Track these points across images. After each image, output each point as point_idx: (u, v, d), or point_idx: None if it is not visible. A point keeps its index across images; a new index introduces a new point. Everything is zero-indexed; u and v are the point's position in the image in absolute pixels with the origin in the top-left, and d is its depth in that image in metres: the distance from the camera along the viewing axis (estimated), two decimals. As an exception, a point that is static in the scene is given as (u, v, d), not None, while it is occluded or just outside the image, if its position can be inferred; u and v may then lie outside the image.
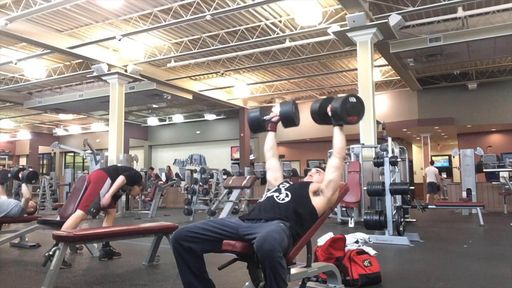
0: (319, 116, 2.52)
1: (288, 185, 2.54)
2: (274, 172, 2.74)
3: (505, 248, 4.88)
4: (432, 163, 13.60)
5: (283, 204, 2.34)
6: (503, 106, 12.69)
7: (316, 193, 2.45)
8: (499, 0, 7.88)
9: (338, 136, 2.48)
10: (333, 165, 2.44)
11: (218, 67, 11.73)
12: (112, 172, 4.33)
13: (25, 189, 5.21)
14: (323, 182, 2.46)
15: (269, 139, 2.78)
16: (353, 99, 2.43)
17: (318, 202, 2.40)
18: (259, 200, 2.52)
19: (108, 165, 10.48)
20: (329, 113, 2.46)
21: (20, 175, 5.34)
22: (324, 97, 2.65)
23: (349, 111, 2.41)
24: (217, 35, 9.49)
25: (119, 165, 4.64)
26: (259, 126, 2.75)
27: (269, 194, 2.50)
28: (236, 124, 16.91)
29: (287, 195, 2.40)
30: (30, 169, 5.54)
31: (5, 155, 19.77)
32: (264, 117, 2.72)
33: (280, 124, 2.73)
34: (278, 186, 2.55)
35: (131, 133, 18.43)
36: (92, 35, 9.45)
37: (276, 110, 2.74)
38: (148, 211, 10.10)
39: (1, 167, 20.80)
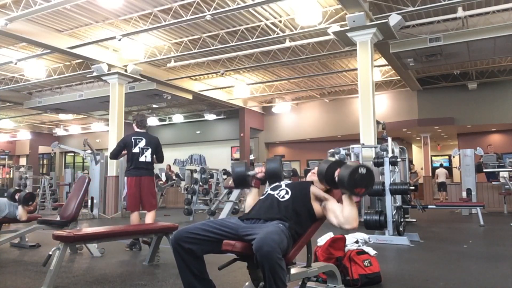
0: (325, 180, 2.34)
1: (288, 182, 2.53)
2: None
3: (505, 248, 4.88)
4: (441, 165, 15.10)
5: (282, 202, 2.34)
6: (503, 106, 12.70)
7: (319, 200, 2.41)
8: (499, 0, 7.88)
9: (346, 206, 2.25)
10: (340, 224, 2.28)
11: (218, 67, 11.72)
12: (153, 172, 5.08)
13: (21, 211, 5.06)
14: (331, 211, 2.34)
15: (252, 196, 2.68)
16: (363, 170, 2.21)
17: (318, 209, 2.39)
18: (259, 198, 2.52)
19: (108, 165, 10.52)
20: (336, 179, 2.27)
21: (16, 197, 5.11)
22: (333, 159, 2.43)
23: (356, 183, 2.19)
24: (217, 35, 9.49)
25: (141, 160, 4.99)
26: (244, 181, 2.65)
27: (269, 191, 2.48)
28: (236, 124, 16.90)
29: (287, 192, 2.39)
30: (27, 191, 5.38)
31: (5, 155, 19.80)
32: (249, 173, 2.66)
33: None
34: (279, 182, 2.53)
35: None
36: (92, 35, 9.45)
37: (259, 167, 2.71)
38: (148, 211, 10.08)
39: (1, 167, 20.84)
